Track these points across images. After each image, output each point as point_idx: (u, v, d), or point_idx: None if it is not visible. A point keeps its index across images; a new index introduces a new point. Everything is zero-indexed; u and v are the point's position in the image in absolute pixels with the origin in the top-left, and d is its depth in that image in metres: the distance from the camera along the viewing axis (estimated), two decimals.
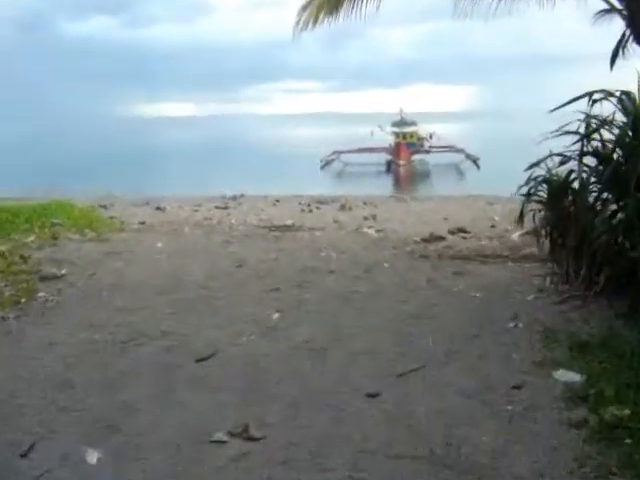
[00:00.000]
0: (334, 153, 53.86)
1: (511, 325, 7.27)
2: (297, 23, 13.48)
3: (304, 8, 13.10)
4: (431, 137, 54.91)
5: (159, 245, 12.47)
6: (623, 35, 11.39)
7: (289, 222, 17.10)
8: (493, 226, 15.74)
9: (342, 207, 22.79)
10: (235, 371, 6.17)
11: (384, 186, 42.17)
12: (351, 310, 7.98)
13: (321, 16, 13.43)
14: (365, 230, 14.79)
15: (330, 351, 6.62)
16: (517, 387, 5.70)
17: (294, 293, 8.75)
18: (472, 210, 21.17)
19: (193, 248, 12.23)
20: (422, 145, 54.81)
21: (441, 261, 10.64)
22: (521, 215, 8.84)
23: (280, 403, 5.45)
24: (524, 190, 8.67)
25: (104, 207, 21.40)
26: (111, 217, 17.49)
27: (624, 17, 10.83)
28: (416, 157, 53.91)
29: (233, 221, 17.04)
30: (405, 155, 52.33)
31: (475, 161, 50.33)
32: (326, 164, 52.37)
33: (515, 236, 13.49)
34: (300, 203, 24.70)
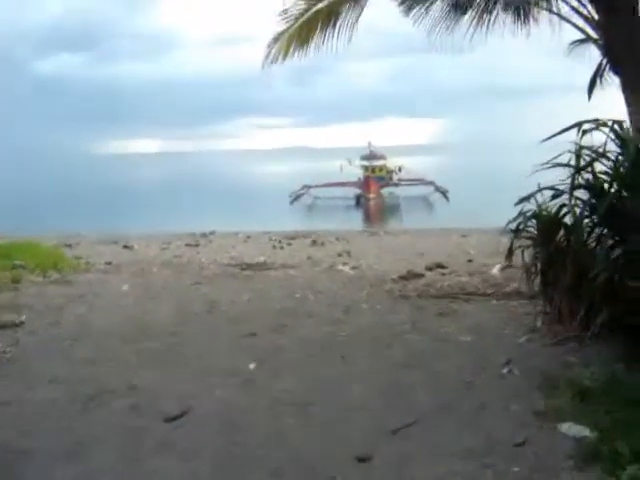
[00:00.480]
0: (304, 187, 53.59)
1: (505, 371, 6.75)
2: (267, 56, 13.08)
3: (275, 40, 12.69)
4: (400, 170, 54.91)
5: (125, 288, 11.82)
6: (600, 65, 11.17)
7: (261, 259, 16.54)
8: (470, 260, 15.32)
9: (314, 242, 22.30)
10: (209, 432, 5.54)
11: (355, 220, 41.88)
12: (333, 358, 7.39)
13: (291, 49, 13.04)
14: (340, 267, 14.27)
15: (314, 406, 6.01)
16: (520, 444, 5.15)
17: (271, 339, 8.16)
18: (447, 244, 20.79)
19: (162, 290, 11.60)
20: (391, 178, 54.79)
21: (422, 300, 10.12)
22: (510, 251, 8.38)
23: (262, 471, 4.85)
24: (512, 225, 8.19)
25: (69, 246, 20.67)
26: (77, 257, 16.80)
27: (600, 46, 10.59)
28: (385, 190, 53.80)
29: (203, 260, 16.42)
30: (374, 188, 52.19)
31: (444, 193, 50.29)
32: (296, 199, 52.05)
33: (495, 271, 13.06)
34: (271, 239, 24.16)
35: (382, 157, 55.90)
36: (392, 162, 56.17)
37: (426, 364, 7.08)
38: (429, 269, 13.99)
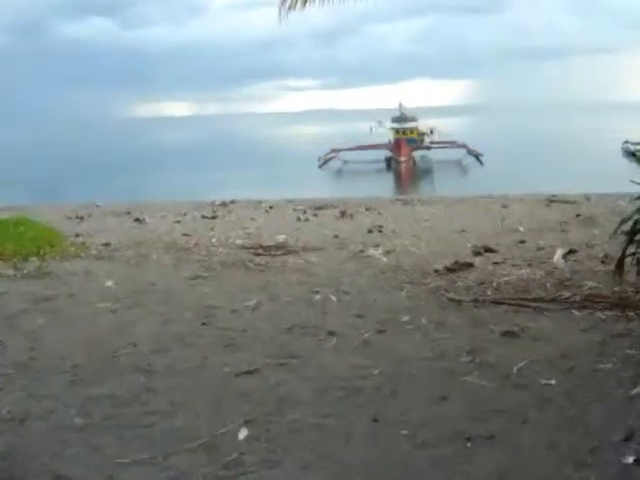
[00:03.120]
0: (332, 151, 50.94)
1: (630, 460, 4.21)
2: (284, 1, 10.50)
3: None
4: (432, 132, 51.95)
5: (109, 284, 9.40)
6: None
7: (281, 239, 14.06)
8: (523, 241, 12.69)
9: (342, 214, 19.72)
10: None
11: (386, 185, 39.24)
12: (362, 421, 4.89)
13: None
14: (371, 251, 11.71)
15: None
16: None
17: (273, 382, 5.65)
18: (488, 216, 18.13)
19: (152, 289, 9.15)
20: (422, 141, 51.85)
21: (480, 309, 7.56)
22: (621, 261, 5.81)
23: None
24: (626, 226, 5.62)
25: (81, 218, 18.56)
26: (76, 235, 14.51)
27: None
28: (417, 153, 50.88)
29: (214, 240, 13.95)
30: (406, 151, 49.27)
31: (478, 157, 47.44)
32: (324, 163, 49.45)
33: (557, 258, 10.48)
34: (296, 209, 21.63)
35: (413, 119, 52.89)
36: (423, 124, 53.08)
37: (499, 434, 4.53)
38: (477, 253, 11.43)
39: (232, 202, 25.00)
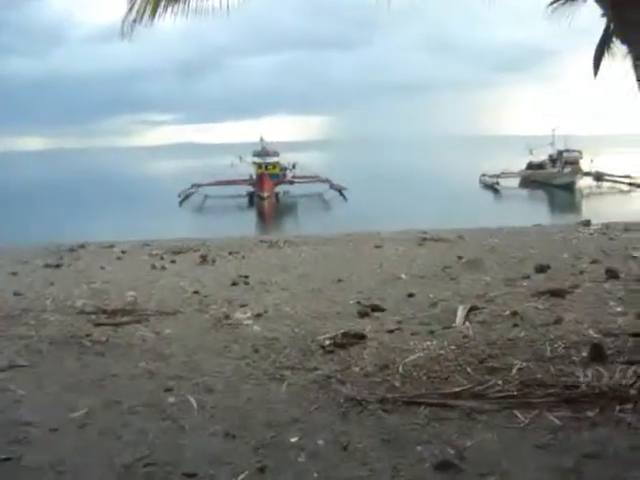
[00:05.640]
0: (193, 186, 48.26)
1: None
2: (129, 10, 8.20)
3: None
4: (294, 167, 50.30)
5: None
6: (606, 31, 7.67)
7: (130, 297, 11.61)
8: (411, 295, 10.96)
9: (203, 259, 17.40)
10: None
11: (249, 223, 37.06)
12: None
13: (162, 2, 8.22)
14: (238, 316, 9.47)
15: None
16: None
17: None
18: (363, 260, 16.35)
19: None
20: (285, 176, 50.09)
21: (391, 415, 5.44)
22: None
23: None
24: None
25: None
26: None
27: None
28: (280, 188, 49.07)
29: (49, 302, 11.28)
30: (268, 186, 47.32)
31: (341, 192, 46.22)
32: (185, 198, 46.69)
33: (460, 321, 8.70)
34: (151, 255, 19.08)
35: (275, 154, 51.09)
36: (285, 159, 51.42)
37: None
38: (364, 314, 9.47)
39: (82, 246, 22.09)
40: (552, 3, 9.22)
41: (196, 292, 11.84)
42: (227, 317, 9.36)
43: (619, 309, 8.95)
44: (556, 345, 7.15)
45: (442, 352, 7.10)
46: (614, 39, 8.85)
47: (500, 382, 5.91)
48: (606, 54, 9.47)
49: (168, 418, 5.53)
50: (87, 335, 8.56)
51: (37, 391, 6.39)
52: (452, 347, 7.28)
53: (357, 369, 6.60)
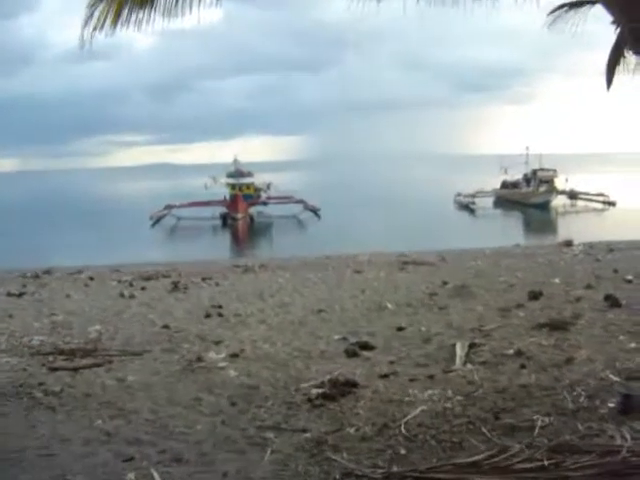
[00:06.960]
0: (166, 207, 46.89)
1: None
2: (88, 19, 7.14)
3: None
4: (268, 188, 49.16)
5: None
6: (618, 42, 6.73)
7: (94, 332, 10.50)
8: (401, 329, 9.95)
9: (175, 286, 16.31)
10: None
11: (222, 245, 35.88)
12: None
13: (125, 9, 7.17)
14: (212, 357, 8.39)
15: None
16: None
17: None
18: (344, 287, 15.38)
19: None
20: (259, 196, 48.95)
21: None
22: None
23: None
24: None
25: None
26: None
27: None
28: (254, 209, 47.93)
29: (2, 340, 10.11)
30: (242, 208, 46.14)
31: (315, 212, 45.30)
32: (157, 220, 45.29)
33: (460, 363, 7.72)
34: (120, 281, 17.93)
35: (249, 174, 49.91)
36: (259, 179, 50.28)
37: None
38: (352, 354, 8.45)
39: (47, 272, 20.90)
40: (553, 11, 8.37)
41: (166, 326, 10.75)
42: (199, 359, 8.27)
43: (632, 345, 8.03)
44: (575, 393, 6.19)
45: (448, 405, 6.10)
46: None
47: (524, 447, 4.90)
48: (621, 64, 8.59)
49: None
50: (40, 384, 7.43)
51: None
52: (458, 398, 6.29)
53: (352, 430, 5.56)
